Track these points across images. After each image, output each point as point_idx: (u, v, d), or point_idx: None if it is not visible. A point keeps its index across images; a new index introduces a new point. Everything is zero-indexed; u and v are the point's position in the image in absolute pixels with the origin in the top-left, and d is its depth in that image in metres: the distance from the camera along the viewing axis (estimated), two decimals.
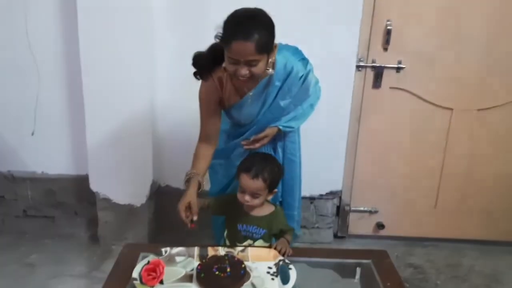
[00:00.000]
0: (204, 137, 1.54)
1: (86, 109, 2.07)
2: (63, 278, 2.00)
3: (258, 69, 1.31)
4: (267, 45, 1.30)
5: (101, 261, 2.13)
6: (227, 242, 1.47)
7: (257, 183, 1.35)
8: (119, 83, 2.02)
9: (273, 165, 1.41)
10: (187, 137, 2.18)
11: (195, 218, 1.36)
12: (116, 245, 2.22)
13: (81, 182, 2.27)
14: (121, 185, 2.17)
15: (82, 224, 2.37)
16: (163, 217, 2.34)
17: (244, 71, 1.30)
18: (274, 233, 1.44)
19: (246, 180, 1.36)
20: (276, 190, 1.45)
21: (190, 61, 1.43)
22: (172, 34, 2.07)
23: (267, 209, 1.45)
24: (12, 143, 2.29)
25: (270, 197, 1.45)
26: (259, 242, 1.42)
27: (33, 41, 2.10)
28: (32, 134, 2.25)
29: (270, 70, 1.40)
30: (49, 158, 2.31)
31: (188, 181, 1.44)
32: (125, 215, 2.20)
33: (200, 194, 1.44)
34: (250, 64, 1.29)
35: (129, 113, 2.06)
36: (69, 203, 2.36)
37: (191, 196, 1.38)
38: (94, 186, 2.19)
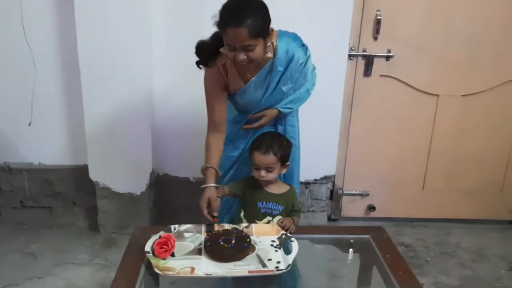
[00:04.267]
0: (212, 126, 1.55)
1: (84, 98, 2.08)
2: (66, 265, 2.02)
3: (255, 53, 1.35)
4: (261, 29, 1.32)
5: (103, 249, 2.17)
6: (244, 222, 1.51)
7: (269, 158, 1.45)
8: (117, 73, 2.04)
9: (281, 140, 1.50)
10: (185, 126, 2.25)
11: (215, 214, 1.40)
12: (117, 233, 2.26)
13: (78, 172, 2.30)
14: (121, 174, 2.20)
15: (81, 214, 2.39)
16: (163, 205, 2.37)
17: (242, 56, 1.34)
18: (289, 210, 1.52)
19: (259, 157, 1.45)
20: (288, 163, 1.52)
21: (192, 50, 1.45)
22: (169, 22, 2.09)
23: (284, 188, 1.55)
24: (9, 135, 2.29)
25: (284, 171, 1.53)
26: (277, 218, 1.49)
27: (29, 32, 2.10)
28: (29, 125, 2.25)
29: (269, 54, 1.44)
30: (46, 149, 2.32)
31: (204, 175, 1.47)
32: (125, 204, 2.23)
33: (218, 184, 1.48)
34: (246, 49, 1.32)
35: (128, 102, 2.09)
36: (66, 193, 2.37)
37: (209, 192, 1.42)
38: (93, 175, 2.21)
